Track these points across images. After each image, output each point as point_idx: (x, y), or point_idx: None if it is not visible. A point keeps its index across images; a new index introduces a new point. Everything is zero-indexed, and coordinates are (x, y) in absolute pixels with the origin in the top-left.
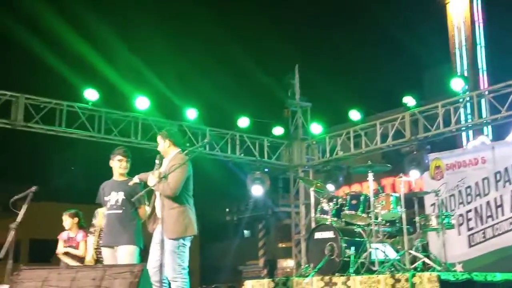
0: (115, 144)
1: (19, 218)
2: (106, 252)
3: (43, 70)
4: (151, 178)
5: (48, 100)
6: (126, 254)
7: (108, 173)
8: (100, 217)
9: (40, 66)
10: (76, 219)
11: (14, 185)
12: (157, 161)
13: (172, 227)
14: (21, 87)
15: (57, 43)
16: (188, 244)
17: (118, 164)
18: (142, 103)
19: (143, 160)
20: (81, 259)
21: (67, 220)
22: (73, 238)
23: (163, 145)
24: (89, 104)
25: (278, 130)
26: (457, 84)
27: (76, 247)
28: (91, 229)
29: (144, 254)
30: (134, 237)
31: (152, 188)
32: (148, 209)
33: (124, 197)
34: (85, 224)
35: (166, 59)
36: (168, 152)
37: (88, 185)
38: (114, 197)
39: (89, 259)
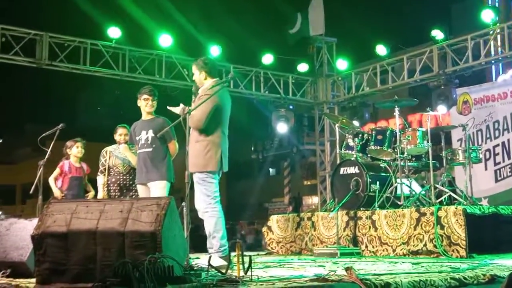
0: (139, 83)
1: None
2: (140, 189)
3: (65, 7)
4: (179, 109)
5: (72, 38)
6: (157, 188)
7: (133, 113)
8: (109, 156)
9: (63, 4)
10: None
11: (41, 126)
12: (193, 90)
13: (194, 160)
14: (45, 26)
15: None
16: (213, 178)
17: (145, 103)
18: (165, 40)
19: (167, 98)
20: None
21: None
22: None
23: (198, 75)
24: (113, 42)
25: (303, 67)
26: (487, 15)
27: None
28: (101, 168)
29: (176, 188)
30: (166, 173)
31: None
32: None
33: (153, 135)
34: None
35: None
36: (203, 82)
37: (114, 125)
38: (144, 136)
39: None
